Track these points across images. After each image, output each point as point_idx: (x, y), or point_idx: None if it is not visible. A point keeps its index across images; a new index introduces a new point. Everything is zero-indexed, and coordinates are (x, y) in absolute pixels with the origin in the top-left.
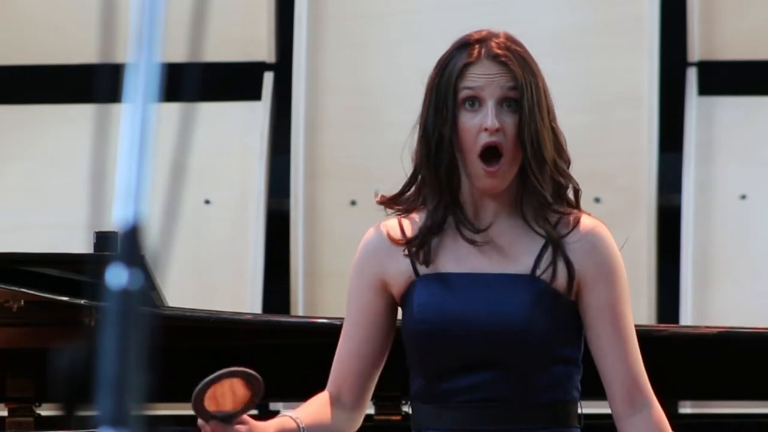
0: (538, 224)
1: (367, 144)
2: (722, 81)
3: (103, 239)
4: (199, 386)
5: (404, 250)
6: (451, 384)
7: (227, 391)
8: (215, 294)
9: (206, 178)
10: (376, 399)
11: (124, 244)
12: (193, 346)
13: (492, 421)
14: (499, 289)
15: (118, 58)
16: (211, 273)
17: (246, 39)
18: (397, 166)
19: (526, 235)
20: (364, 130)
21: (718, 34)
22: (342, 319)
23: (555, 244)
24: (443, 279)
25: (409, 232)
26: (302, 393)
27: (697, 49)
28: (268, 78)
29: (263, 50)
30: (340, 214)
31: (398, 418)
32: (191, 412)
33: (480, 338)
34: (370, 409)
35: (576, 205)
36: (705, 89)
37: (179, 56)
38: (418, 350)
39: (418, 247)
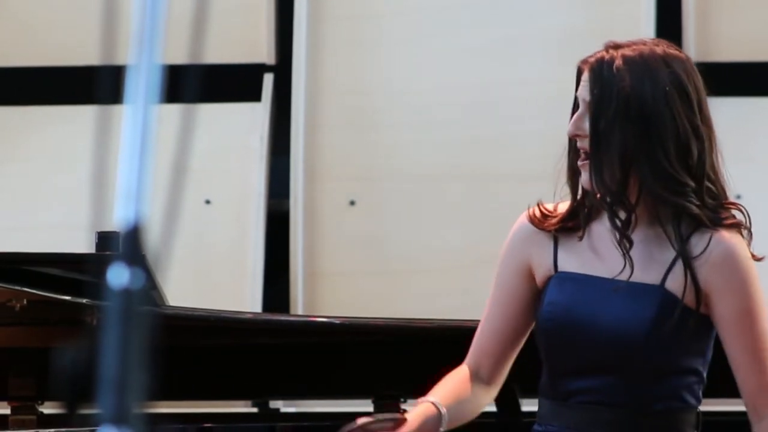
0: (673, 236)
1: (367, 144)
2: (717, 82)
3: (104, 239)
4: None
5: (551, 237)
6: (570, 383)
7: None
8: (216, 293)
9: (207, 179)
10: (376, 398)
11: (125, 244)
12: (194, 345)
13: (605, 425)
14: (628, 297)
15: (119, 60)
16: (211, 273)
17: (246, 41)
18: (396, 166)
19: (662, 244)
20: (364, 130)
21: (714, 35)
22: (341, 317)
23: (685, 258)
24: (577, 279)
25: (561, 222)
26: (301, 391)
27: (692, 50)
28: (268, 79)
29: (263, 52)
30: (339, 215)
31: None
32: (192, 410)
33: (601, 344)
34: (370, 408)
35: (724, 217)
36: None
37: (180, 58)
38: (543, 347)
39: (561, 235)
